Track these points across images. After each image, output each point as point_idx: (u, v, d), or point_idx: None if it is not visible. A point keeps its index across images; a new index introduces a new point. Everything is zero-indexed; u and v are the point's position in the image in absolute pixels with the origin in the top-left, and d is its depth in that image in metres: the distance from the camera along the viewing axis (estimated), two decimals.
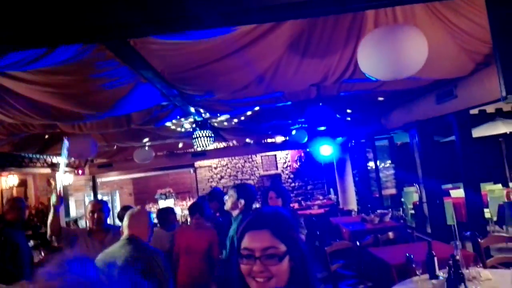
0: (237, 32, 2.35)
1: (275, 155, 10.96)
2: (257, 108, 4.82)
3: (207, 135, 5.25)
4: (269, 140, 9.75)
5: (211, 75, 2.82)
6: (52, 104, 2.87)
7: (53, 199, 3.08)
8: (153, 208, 10.48)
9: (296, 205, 10.02)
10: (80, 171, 9.33)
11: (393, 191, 9.22)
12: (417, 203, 6.41)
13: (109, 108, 3.08)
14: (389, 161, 9.59)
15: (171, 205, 9.66)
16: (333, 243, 4.28)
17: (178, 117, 4.44)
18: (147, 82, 2.89)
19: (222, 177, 10.99)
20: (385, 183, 9.29)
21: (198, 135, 5.19)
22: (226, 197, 3.33)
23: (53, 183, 9.66)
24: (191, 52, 2.48)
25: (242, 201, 3.08)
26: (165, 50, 2.35)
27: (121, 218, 4.16)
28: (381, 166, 9.20)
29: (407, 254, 3.13)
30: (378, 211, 5.96)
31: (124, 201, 13.81)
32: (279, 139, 9.62)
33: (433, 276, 2.73)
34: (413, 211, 7.93)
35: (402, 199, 8.90)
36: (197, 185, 10.98)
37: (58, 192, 3.07)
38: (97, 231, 3.24)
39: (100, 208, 3.25)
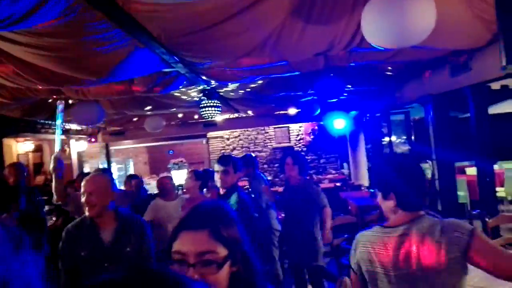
0: None
1: (288, 127, 10.84)
2: (260, 82, 4.72)
3: (214, 104, 5.17)
4: (281, 112, 9.61)
5: (210, 40, 2.71)
6: (50, 68, 2.82)
7: (51, 164, 3.09)
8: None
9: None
10: (93, 139, 9.45)
11: None
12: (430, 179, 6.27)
13: (107, 73, 3.02)
14: (405, 136, 9.37)
15: (184, 175, 9.75)
16: (336, 217, 4.22)
17: (184, 84, 4.36)
18: (145, 47, 2.82)
19: (234, 148, 10.97)
20: None
21: (205, 105, 5.12)
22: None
23: (67, 149, 9.84)
24: (188, 15, 2.38)
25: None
26: (158, 12, 2.25)
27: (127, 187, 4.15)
28: (396, 141, 9.00)
29: None
30: None
31: (139, 169, 14.01)
32: (292, 111, 9.47)
33: None
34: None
35: None
36: (209, 156, 11.01)
37: (55, 157, 3.07)
38: None
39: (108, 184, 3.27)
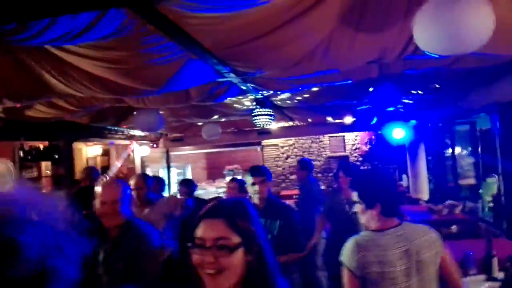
0: (282, 4, 2.26)
1: (343, 136, 10.64)
2: (315, 90, 4.69)
3: (267, 113, 5.22)
4: (337, 121, 9.46)
5: (259, 50, 2.76)
6: (111, 79, 3.03)
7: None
8: (222, 183, 10.86)
9: None
10: (155, 144, 9.93)
11: (472, 181, 8.45)
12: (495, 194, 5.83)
13: (164, 84, 3.17)
14: (470, 148, 8.79)
15: None
16: None
17: (237, 93, 4.46)
18: (198, 58, 2.93)
19: (288, 157, 10.97)
20: (464, 172, 8.55)
21: (258, 113, 5.18)
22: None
23: (131, 154, 10.42)
24: (238, 26, 2.44)
25: None
26: (209, 25, 2.33)
27: (180, 192, 4.33)
28: (461, 153, 8.47)
29: (467, 251, 2.86)
30: (448, 201, 5.52)
31: (197, 174, 14.47)
32: (348, 120, 9.29)
33: (490, 277, 2.47)
34: (491, 204, 7.24)
35: (480, 191, 8.16)
36: (263, 163, 11.10)
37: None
38: (138, 206, 3.45)
39: (141, 186, 3.43)
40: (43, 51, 2.71)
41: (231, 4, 2.03)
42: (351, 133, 10.51)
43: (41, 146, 7.31)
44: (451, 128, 7.80)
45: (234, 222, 1.05)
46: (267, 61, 2.94)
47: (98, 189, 2.19)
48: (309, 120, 8.58)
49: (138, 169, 10.51)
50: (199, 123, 7.60)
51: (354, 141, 10.66)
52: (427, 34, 2.04)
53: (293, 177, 10.64)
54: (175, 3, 1.94)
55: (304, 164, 5.01)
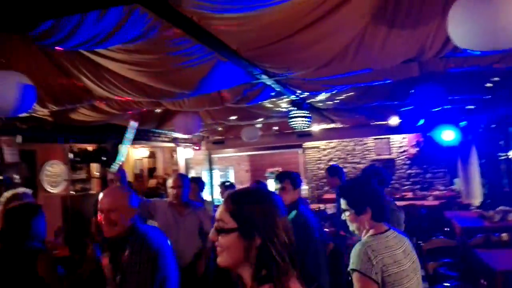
0: (310, 1, 2.19)
1: (389, 138, 10.24)
2: (354, 90, 4.54)
3: (304, 115, 5.14)
4: (381, 123, 9.13)
5: (288, 50, 2.71)
6: (144, 82, 3.10)
7: (108, 176, 3.46)
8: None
9: (409, 194, 9.30)
10: (197, 147, 10.12)
11: None
12: None
13: (195, 86, 3.20)
14: None
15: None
16: (431, 239, 3.84)
17: (272, 95, 4.42)
18: (227, 60, 2.93)
19: (331, 159, 10.74)
20: None
21: (294, 115, 5.11)
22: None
23: (174, 156, 10.69)
24: (264, 27, 2.40)
25: None
26: (234, 26, 2.32)
27: (220, 194, 4.32)
28: None
29: None
30: (500, 207, 5.14)
31: (240, 177, 14.59)
32: (393, 121, 8.94)
33: None
34: None
35: None
36: (305, 166, 10.95)
37: (111, 172, 3.42)
38: (176, 205, 3.48)
39: (179, 184, 3.46)
40: (80, 56, 2.83)
41: (253, 3, 2.00)
42: (397, 135, 10.11)
43: (90, 148, 7.69)
44: (506, 129, 7.27)
45: (230, 208, 1.17)
46: (296, 61, 2.88)
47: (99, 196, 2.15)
48: (351, 122, 8.36)
49: (183, 171, 10.76)
50: (242, 124, 7.65)
51: (401, 143, 10.24)
52: (462, 30, 1.89)
53: None
54: (198, 5, 1.94)
55: (333, 171, 4.86)
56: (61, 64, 3.06)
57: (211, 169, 10.65)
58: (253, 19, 2.27)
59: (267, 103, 5.22)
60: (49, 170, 7.16)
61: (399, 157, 10.29)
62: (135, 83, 3.17)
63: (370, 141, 10.45)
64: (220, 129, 8.04)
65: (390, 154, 10.34)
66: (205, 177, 10.93)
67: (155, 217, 3.60)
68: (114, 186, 3.35)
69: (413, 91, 4.43)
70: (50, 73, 3.23)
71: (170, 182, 3.62)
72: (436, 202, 7.66)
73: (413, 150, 10.21)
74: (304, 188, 10.75)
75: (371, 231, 1.96)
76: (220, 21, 2.17)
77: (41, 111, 4.29)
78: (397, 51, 2.78)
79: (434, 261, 3.59)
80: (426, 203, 7.70)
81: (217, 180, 11.33)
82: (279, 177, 3.03)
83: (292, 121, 5.17)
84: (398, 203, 8.28)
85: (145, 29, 2.06)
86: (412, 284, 1.86)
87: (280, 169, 11.59)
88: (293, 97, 4.89)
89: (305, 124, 5.19)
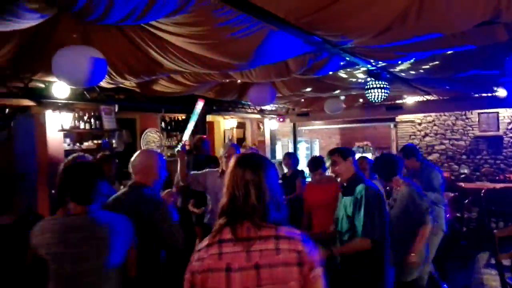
0: None
1: (497, 112, 9.07)
2: (436, 62, 4.11)
3: (381, 86, 4.82)
4: (487, 94, 8.09)
5: (340, 15, 2.55)
6: (201, 54, 3.21)
7: (177, 148, 3.63)
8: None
9: None
10: (281, 119, 10.19)
11: None
12: None
13: (251, 57, 3.21)
14: None
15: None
16: (507, 227, 3.40)
17: (342, 65, 4.23)
18: (279, 30, 2.87)
19: (426, 135, 9.94)
20: None
21: (370, 86, 4.83)
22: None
23: (261, 127, 10.93)
24: None
25: None
26: None
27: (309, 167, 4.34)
28: None
29: None
30: None
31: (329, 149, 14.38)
32: (502, 92, 7.86)
33: None
34: None
35: None
36: (397, 141, 10.32)
37: (182, 144, 3.57)
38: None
39: (231, 153, 3.54)
40: (145, 29, 3.02)
41: None
42: (507, 110, 8.90)
43: (180, 118, 8.26)
44: None
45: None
46: (351, 27, 2.70)
47: None
48: (448, 94, 7.58)
49: (268, 142, 10.98)
50: (324, 96, 7.47)
51: (511, 118, 9.00)
52: None
53: (430, 157, 9.64)
54: None
55: (408, 151, 4.53)
56: (132, 38, 3.31)
57: (295, 142, 10.66)
58: None
59: (342, 73, 5.00)
60: (147, 136, 7.93)
61: (508, 134, 9.10)
62: (195, 56, 3.29)
63: (474, 115, 9.39)
64: (302, 100, 7.95)
65: (497, 131, 9.18)
66: (289, 149, 11.03)
67: (206, 186, 3.78)
68: None
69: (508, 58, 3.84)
70: (125, 47, 3.51)
71: (224, 150, 3.75)
72: None
73: None
74: None
75: None
76: None
77: (127, 83, 4.73)
78: (468, 12, 2.43)
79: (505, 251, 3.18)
80: None
81: (302, 152, 11.33)
82: (329, 152, 3.01)
83: (368, 93, 4.90)
84: (496, 185, 7.41)
85: (182, 0, 2.12)
86: None
87: (369, 144, 11.13)
88: (369, 66, 4.60)
89: (382, 95, 4.87)
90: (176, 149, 3.87)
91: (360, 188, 2.77)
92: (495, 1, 2.30)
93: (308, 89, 5.74)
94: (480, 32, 3.01)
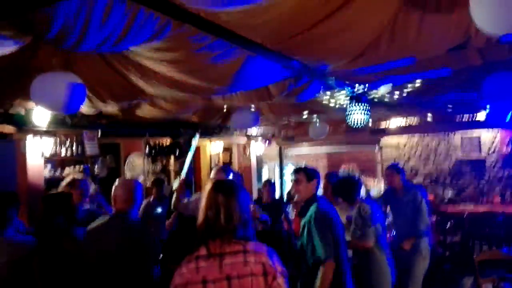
0: None
1: (479, 136, 9.22)
2: (419, 81, 4.20)
3: (362, 109, 4.87)
4: (469, 116, 8.24)
5: (313, 41, 2.59)
6: (183, 79, 3.23)
7: (175, 184, 3.70)
8: None
9: (498, 199, 8.38)
10: (267, 142, 10.22)
11: None
12: None
13: (230, 82, 3.23)
14: None
15: None
16: (487, 251, 3.42)
17: (322, 89, 4.29)
18: (256, 55, 2.91)
19: (409, 158, 10.03)
20: None
21: (351, 110, 4.88)
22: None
23: (247, 151, 10.92)
24: (288, 16, 2.32)
25: None
26: (249, 19, 2.28)
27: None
28: None
29: None
30: None
31: None
32: (480, 115, 8.03)
33: None
34: None
35: None
36: (382, 164, 10.37)
37: (180, 180, 3.70)
38: None
39: (222, 177, 3.55)
40: (126, 55, 3.03)
41: None
42: (488, 133, 9.04)
43: (165, 143, 8.20)
44: None
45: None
46: (326, 52, 2.76)
47: None
48: (429, 116, 7.73)
49: (254, 166, 10.95)
50: (307, 122, 7.55)
51: (492, 142, 9.14)
52: (484, 10, 1.64)
53: (414, 180, 9.71)
54: (200, 1, 1.96)
55: (398, 167, 4.61)
56: (113, 64, 3.32)
57: (281, 165, 10.66)
58: (268, 10, 2.21)
59: (324, 98, 5.07)
60: (131, 162, 7.85)
61: (490, 157, 9.23)
62: (175, 80, 3.30)
63: (456, 138, 9.53)
64: (285, 123, 8.02)
65: (479, 153, 9.30)
66: (276, 173, 11.02)
67: (195, 212, 3.81)
68: None
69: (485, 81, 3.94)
70: (107, 73, 3.51)
71: (212, 175, 3.75)
72: None
73: (507, 149, 9.07)
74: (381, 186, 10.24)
75: None
76: (230, 15, 2.16)
77: (109, 108, 4.71)
78: (438, 36, 2.51)
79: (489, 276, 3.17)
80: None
81: (289, 176, 11.29)
82: (295, 170, 3.13)
83: (349, 118, 4.94)
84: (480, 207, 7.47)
85: (158, 27, 2.14)
86: None
87: (355, 166, 11.17)
88: (349, 89, 4.67)
89: (363, 120, 4.92)
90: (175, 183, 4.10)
91: (312, 208, 2.86)
92: (465, 27, 2.38)
93: (295, 114, 5.80)
94: (454, 56, 3.09)
